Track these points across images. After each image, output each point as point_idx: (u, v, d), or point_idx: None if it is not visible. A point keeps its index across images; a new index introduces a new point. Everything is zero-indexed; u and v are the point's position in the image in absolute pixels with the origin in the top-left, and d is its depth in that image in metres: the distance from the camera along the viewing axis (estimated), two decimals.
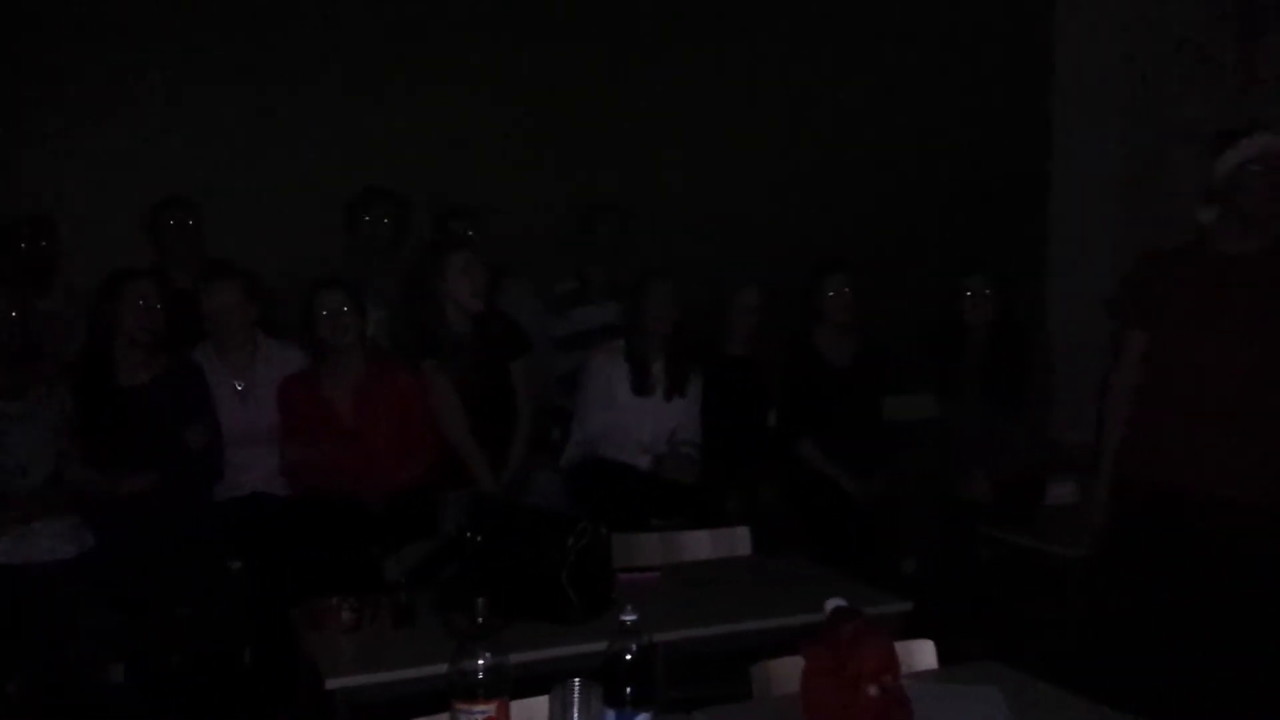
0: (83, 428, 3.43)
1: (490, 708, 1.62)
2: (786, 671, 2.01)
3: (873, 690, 1.78)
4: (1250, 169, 2.87)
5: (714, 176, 5.12)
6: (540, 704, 1.78)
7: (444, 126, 4.65)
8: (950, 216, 5.53)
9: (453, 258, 3.71)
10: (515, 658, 2.23)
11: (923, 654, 2.20)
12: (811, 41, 5.33)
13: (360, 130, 4.54)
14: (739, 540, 3.29)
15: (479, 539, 2.59)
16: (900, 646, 2.16)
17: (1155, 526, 2.99)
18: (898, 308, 4.90)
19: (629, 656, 1.67)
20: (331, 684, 2.26)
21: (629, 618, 1.70)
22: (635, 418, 3.89)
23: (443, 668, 1.69)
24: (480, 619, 1.68)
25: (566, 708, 1.69)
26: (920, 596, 2.86)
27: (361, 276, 3.92)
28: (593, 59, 4.91)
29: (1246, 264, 2.92)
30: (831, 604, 1.99)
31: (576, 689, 1.69)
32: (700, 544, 3.26)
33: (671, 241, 4.86)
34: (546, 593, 2.48)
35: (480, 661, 1.64)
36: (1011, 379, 4.09)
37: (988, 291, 4.13)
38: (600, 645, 1.74)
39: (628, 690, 1.66)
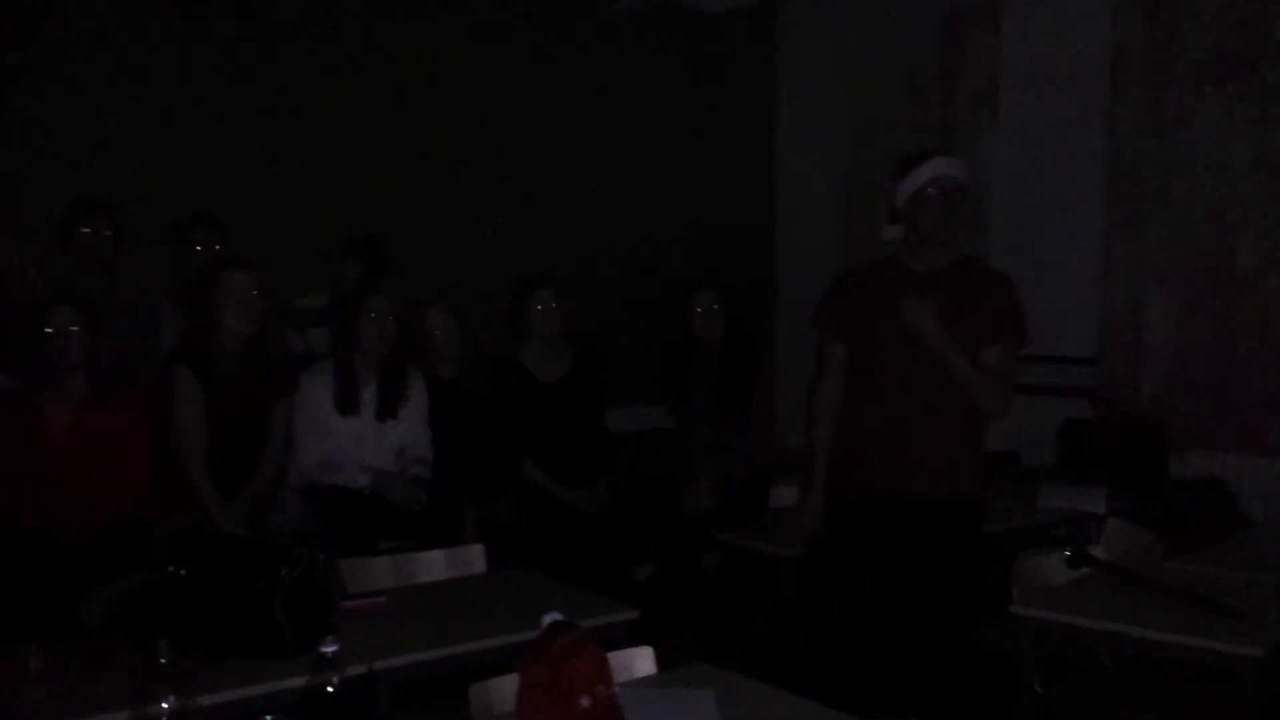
0: None
1: None
2: (505, 690, 1.99)
3: (585, 701, 1.79)
4: (928, 192, 3.06)
5: (435, 196, 5.05)
6: None
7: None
8: (683, 234, 5.68)
9: (231, 277, 3.52)
10: (227, 696, 2.16)
11: (642, 661, 2.23)
12: (536, 59, 5.34)
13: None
14: (473, 559, 3.25)
15: (183, 573, 2.43)
16: (619, 655, 2.20)
17: (857, 525, 3.18)
18: (633, 322, 5.01)
19: (330, 689, 1.61)
20: None
21: (329, 649, 1.63)
22: (351, 441, 3.72)
23: None
24: (163, 659, 1.57)
25: None
26: (651, 604, 2.91)
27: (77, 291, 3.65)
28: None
29: (929, 281, 3.12)
30: (548, 618, 1.99)
31: None
32: (434, 565, 3.20)
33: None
34: (259, 626, 2.36)
35: (164, 705, 1.54)
36: (740, 390, 4.25)
37: (716, 306, 4.27)
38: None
39: None
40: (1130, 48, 4.69)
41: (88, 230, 3.92)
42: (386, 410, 3.78)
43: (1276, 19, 4.22)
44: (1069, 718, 2.96)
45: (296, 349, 4.24)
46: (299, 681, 2.20)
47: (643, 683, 2.17)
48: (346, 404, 3.72)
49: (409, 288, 4.27)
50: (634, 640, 2.37)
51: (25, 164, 4.16)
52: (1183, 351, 4.57)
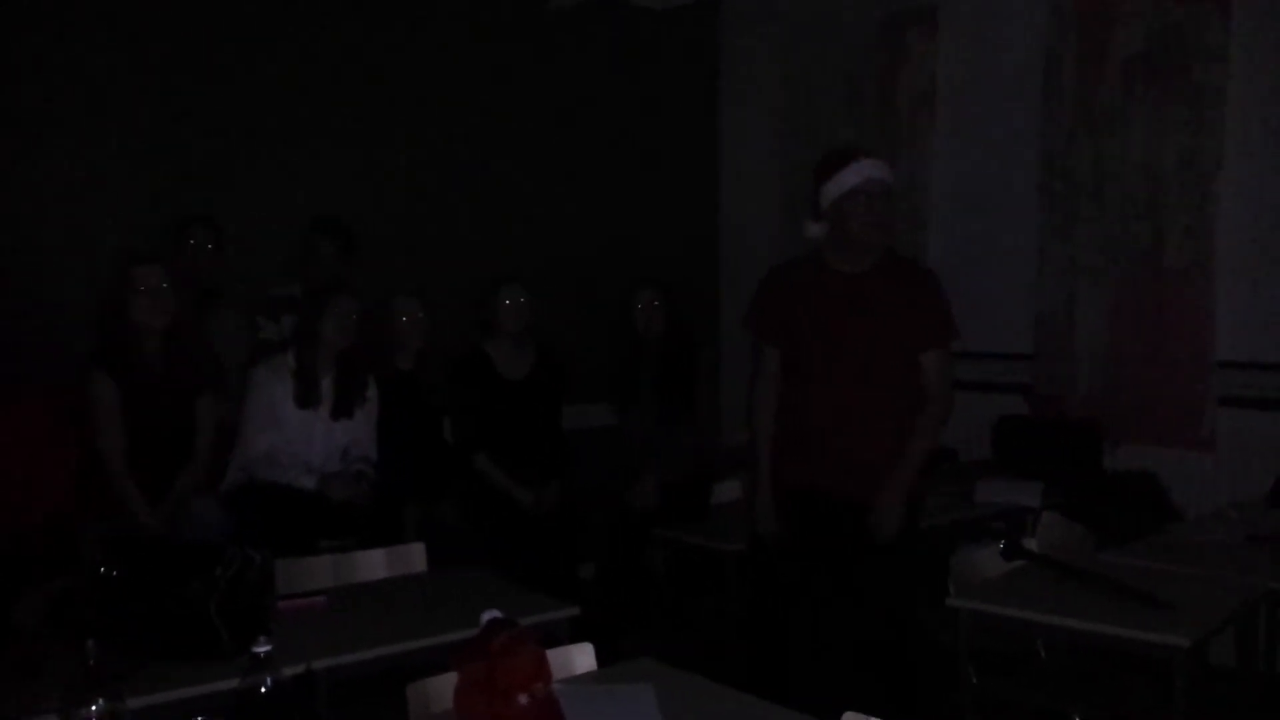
0: None
1: None
2: (443, 688, 1.98)
3: (522, 699, 1.78)
4: (855, 195, 3.06)
5: (396, 192, 5.03)
6: None
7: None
8: (626, 233, 5.70)
9: (137, 272, 3.45)
10: (160, 698, 2.13)
11: (582, 657, 2.23)
12: (476, 60, 5.32)
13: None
14: (415, 557, 3.23)
15: (115, 574, 2.39)
16: (559, 652, 2.20)
17: (796, 526, 3.20)
18: (579, 320, 5.01)
19: (263, 690, 1.59)
20: None
21: (262, 649, 1.61)
22: (302, 436, 3.68)
23: None
24: (92, 661, 1.54)
25: None
26: (595, 601, 2.92)
27: None
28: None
29: (855, 282, 3.15)
30: (486, 616, 1.98)
31: None
32: (374, 564, 3.17)
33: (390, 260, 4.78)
34: (194, 628, 2.32)
35: (94, 708, 1.51)
36: (682, 388, 4.27)
37: (656, 304, 4.29)
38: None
39: None
40: (1062, 50, 4.78)
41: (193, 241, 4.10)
42: (342, 409, 3.75)
43: (1205, 22, 4.32)
44: (1005, 708, 3.01)
45: (272, 337, 4.21)
46: (235, 683, 2.18)
47: (583, 679, 2.17)
48: (306, 397, 3.69)
49: (368, 286, 4.25)
50: (577, 638, 2.37)
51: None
52: (1115, 348, 4.67)
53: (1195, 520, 3.88)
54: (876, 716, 1.67)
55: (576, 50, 5.62)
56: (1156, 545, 3.37)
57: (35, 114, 4.26)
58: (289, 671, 2.17)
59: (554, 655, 2.11)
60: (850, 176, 3.06)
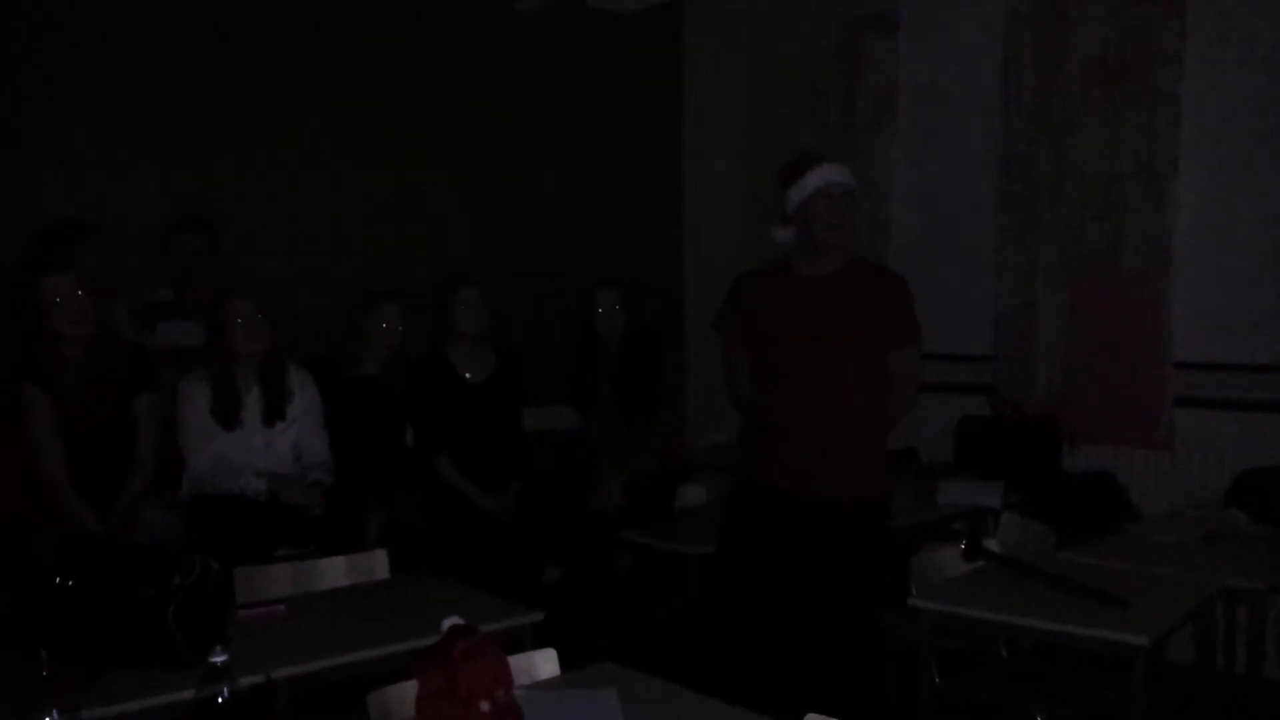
0: None
1: None
2: (405, 696, 1.96)
3: (484, 705, 1.77)
4: (818, 200, 3.11)
5: (338, 192, 4.97)
6: None
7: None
8: (590, 234, 5.69)
9: (48, 283, 3.37)
10: (118, 708, 2.10)
11: (545, 663, 2.22)
12: (441, 59, 5.30)
13: None
14: (377, 564, 3.20)
15: (71, 582, 2.35)
16: (522, 657, 2.19)
17: (765, 528, 3.21)
18: (542, 321, 4.99)
19: (220, 700, 1.57)
20: None
21: (218, 659, 1.60)
22: (240, 446, 3.61)
23: None
24: (44, 672, 1.52)
25: None
26: (560, 605, 2.90)
27: None
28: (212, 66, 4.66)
29: (822, 285, 3.18)
30: (448, 622, 1.97)
31: None
32: (335, 571, 3.14)
33: (286, 257, 4.71)
34: (151, 636, 2.29)
35: (47, 719, 1.49)
36: (645, 389, 4.26)
37: (616, 307, 4.28)
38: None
39: None
40: (1020, 54, 4.83)
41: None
42: (273, 413, 3.68)
43: (1161, 25, 4.37)
44: (968, 708, 3.03)
45: (149, 345, 4.06)
46: (191, 693, 2.16)
47: (546, 685, 2.16)
48: (226, 415, 3.60)
49: (338, 287, 4.30)
50: (542, 643, 2.35)
51: None
52: (1074, 350, 4.72)
53: (1153, 519, 3.92)
54: (837, 718, 1.67)
55: (541, 52, 5.60)
56: (1115, 544, 3.41)
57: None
58: (248, 681, 2.17)
59: (517, 661, 2.10)
60: (812, 180, 3.11)
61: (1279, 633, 3.80)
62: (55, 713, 1.49)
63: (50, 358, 3.42)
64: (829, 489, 3.10)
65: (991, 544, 3.23)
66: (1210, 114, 4.37)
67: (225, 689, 1.57)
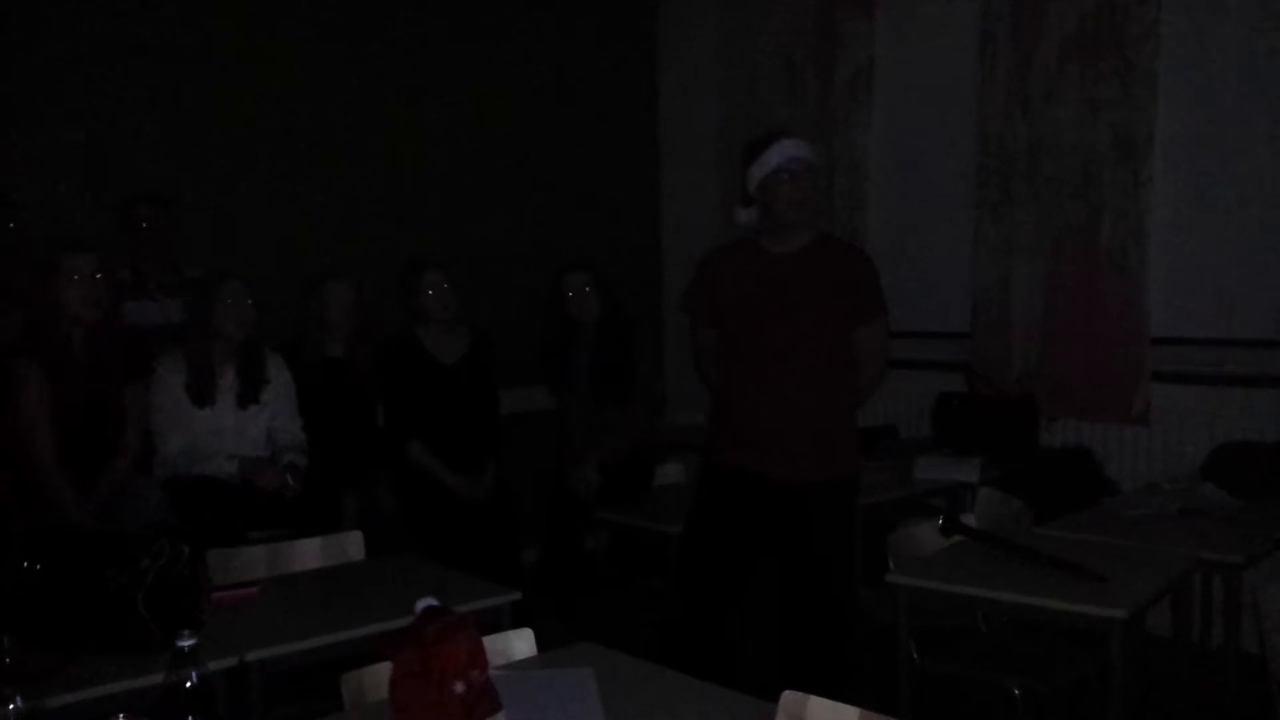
0: None
1: None
2: (379, 678, 1.94)
3: (458, 687, 1.75)
4: (779, 176, 3.08)
5: (307, 172, 4.92)
6: None
7: None
8: (565, 215, 5.65)
9: (68, 260, 3.32)
10: (90, 693, 2.07)
11: (521, 643, 2.20)
12: (414, 38, 5.24)
13: None
14: (352, 546, 3.18)
15: (39, 568, 2.32)
16: (497, 638, 2.17)
17: (733, 509, 3.20)
18: (518, 302, 4.96)
19: (189, 685, 1.54)
20: None
21: (186, 643, 1.57)
22: (213, 429, 3.59)
23: None
24: (8, 659, 1.49)
25: None
26: (538, 585, 2.89)
27: None
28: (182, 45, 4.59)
29: (787, 263, 3.15)
30: (421, 604, 1.94)
31: None
32: (310, 553, 3.11)
33: (250, 238, 4.67)
34: (121, 621, 2.26)
35: (10, 706, 1.45)
36: (620, 370, 4.24)
37: (588, 289, 4.25)
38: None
39: None
40: (997, 29, 4.81)
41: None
42: (248, 396, 3.66)
43: (1139, 1, 4.36)
44: (946, 683, 3.04)
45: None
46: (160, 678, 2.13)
47: (522, 665, 2.14)
48: (201, 395, 3.58)
49: (303, 269, 4.21)
50: (519, 623, 2.34)
51: None
52: (1050, 326, 4.72)
53: (1130, 494, 3.94)
54: (814, 694, 1.66)
55: (514, 30, 5.55)
56: (1092, 519, 3.42)
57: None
58: (222, 664, 2.14)
59: (493, 641, 2.09)
60: (773, 157, 3.07)
61: (1255, 605, 3.82)
62: (17, 700, 1.46)
63: (53, 337, 3.37)
64: (796, 468, 3.08)
65: (969, 519, 3.23)
66: (1186, 90, 4.36)
67: (194, 673, 1.54)
